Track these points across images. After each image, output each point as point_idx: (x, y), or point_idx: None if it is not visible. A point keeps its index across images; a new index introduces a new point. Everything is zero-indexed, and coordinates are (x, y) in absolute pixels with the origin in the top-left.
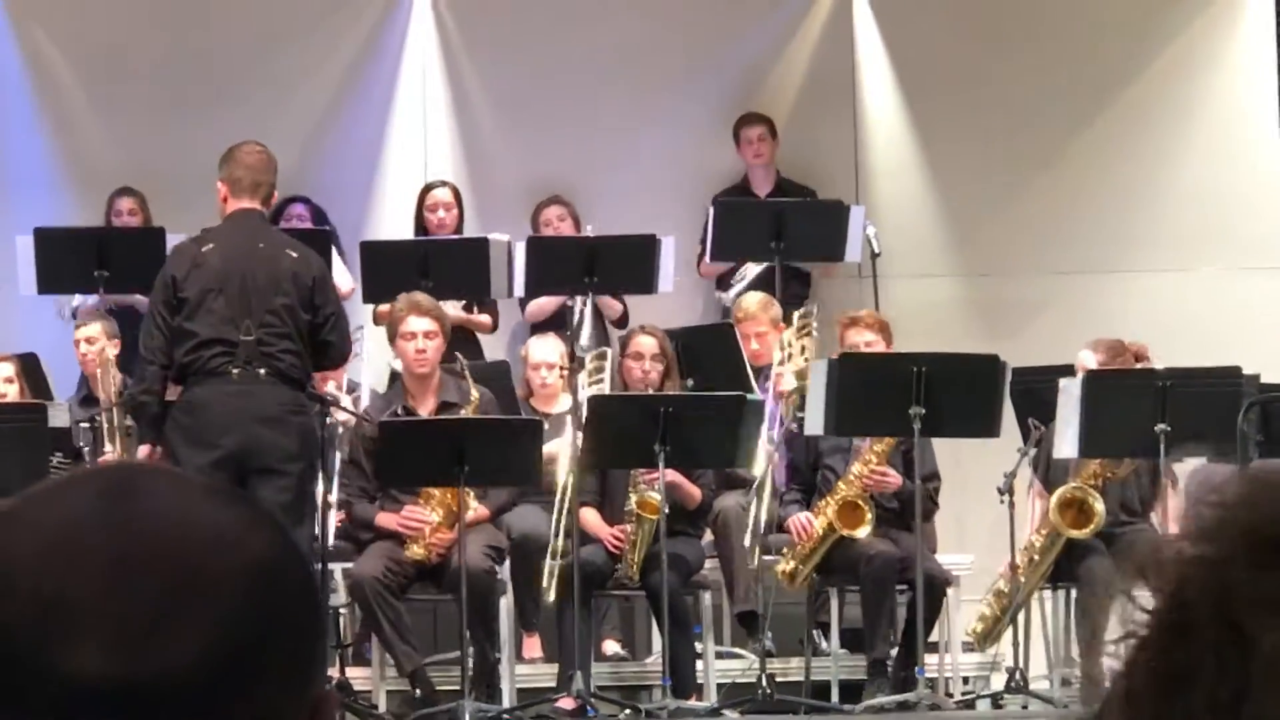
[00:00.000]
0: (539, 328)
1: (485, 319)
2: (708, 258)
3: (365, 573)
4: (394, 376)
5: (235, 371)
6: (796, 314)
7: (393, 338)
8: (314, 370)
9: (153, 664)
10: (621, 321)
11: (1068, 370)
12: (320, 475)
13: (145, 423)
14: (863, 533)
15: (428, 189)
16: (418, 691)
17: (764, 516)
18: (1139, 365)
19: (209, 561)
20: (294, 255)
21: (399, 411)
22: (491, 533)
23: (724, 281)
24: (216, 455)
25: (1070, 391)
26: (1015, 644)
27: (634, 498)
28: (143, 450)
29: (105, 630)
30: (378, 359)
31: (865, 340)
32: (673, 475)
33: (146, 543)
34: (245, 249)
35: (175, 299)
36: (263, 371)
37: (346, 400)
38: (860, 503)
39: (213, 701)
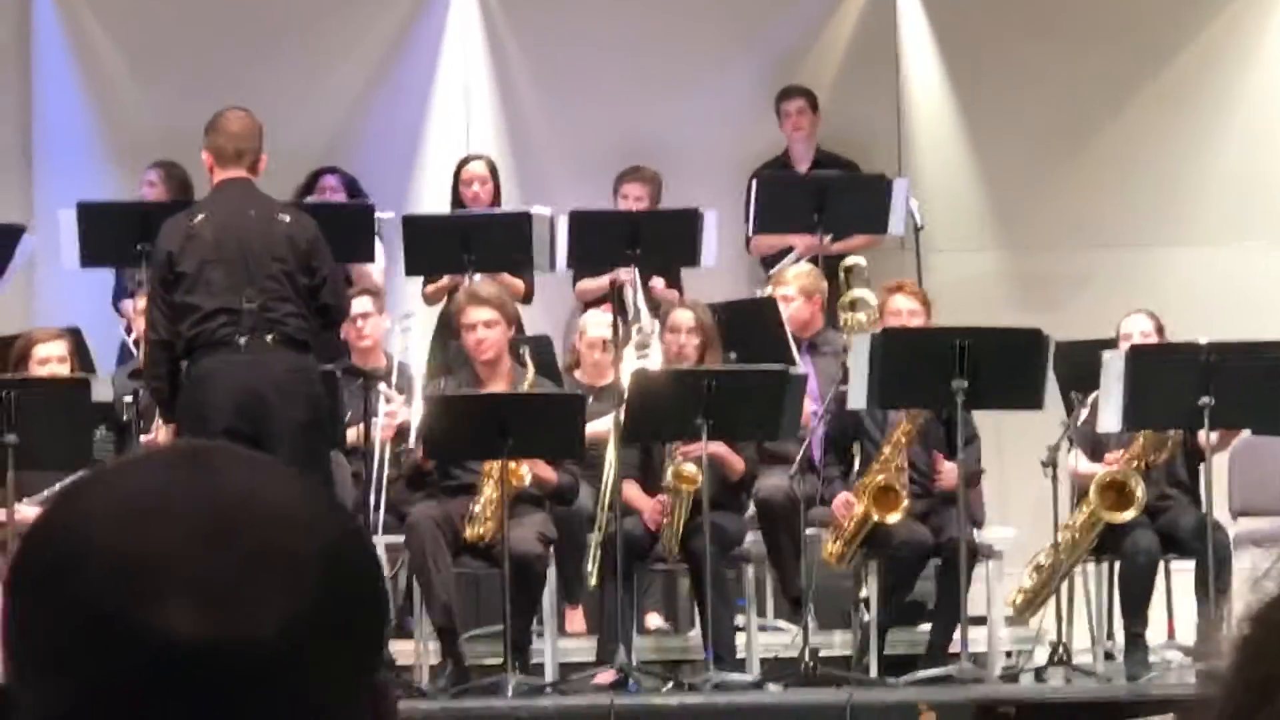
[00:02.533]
0: (587, 305)
1: (519, 283)
2: (751, 230)
3: (423, 514)
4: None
5: (242, 340)
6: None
7: (456, 328)
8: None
9: (239, 628)
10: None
11: (1110, 344)
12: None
13: (161, 405)
14: (896, 518)
15: (463, 163)
16: (449, 664)
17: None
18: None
19: (289, 537)
20: (287, 219)
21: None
22: (544, 519)
23: (771, 262)
24: (226, 423)
25: (1114, 365)
26: (1058, 617)
27: (670, 470)
28: (164, 433)
29: (193, 590)
30: (423, 345)
31: (909, 308)
32: (715, 447)
33: (228, 512)
34: (237, 217)
35: (173, 274)
36: (270, 338)
37: (398, 402)
38: (894, 485)
39: (292, 673)
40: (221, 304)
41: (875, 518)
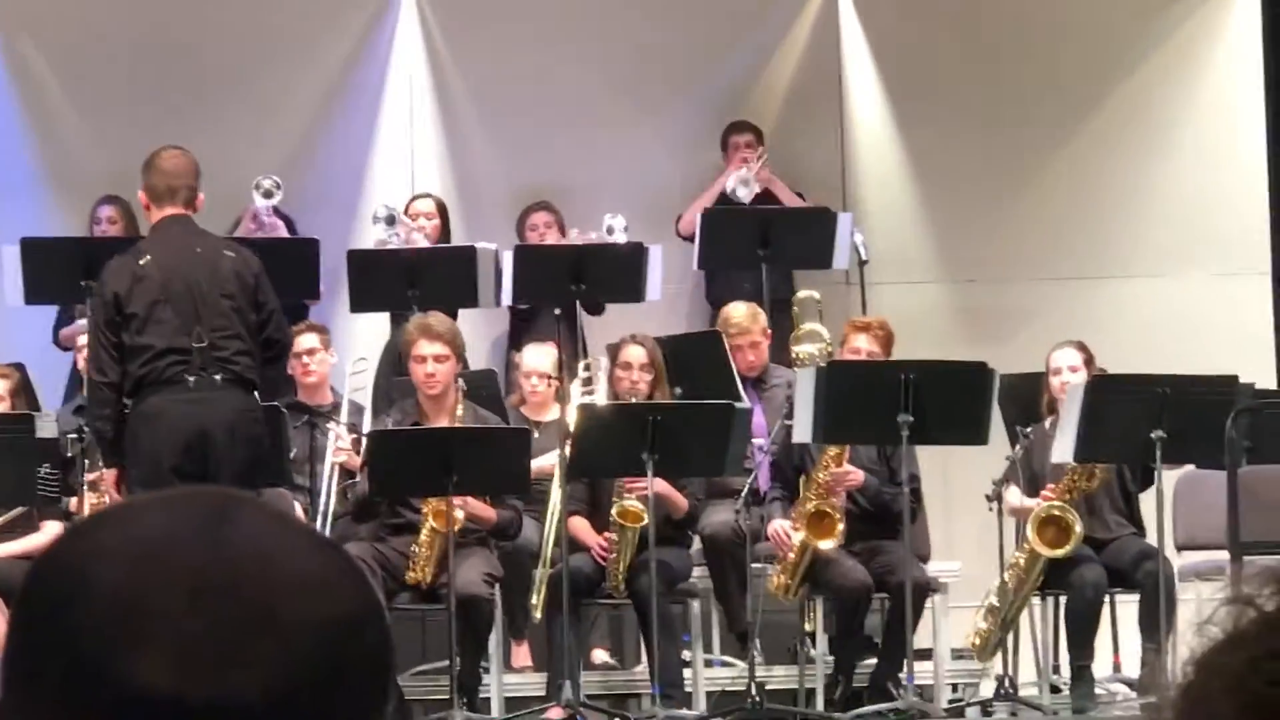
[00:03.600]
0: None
1: None
2: (695, 264)
3: (358, 553)
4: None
5: (191, 379)
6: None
7: (405, 359)
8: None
9: (216, 690)
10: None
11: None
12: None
13: (105, 448)
14: (831, 544)
15: (411, 201)
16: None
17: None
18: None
19: (291, 602)
20: (231, 255)
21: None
22: (489, 558)
23: (717, 298)
24: (174, 461)
25: (1072, 396)
26: (1004, 651)
27: (615, 508)
28: (109, 475)
29: (177, 647)
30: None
31: (870, 350)
32: (658, 485)
33: (234, 570)
34: (183, 255)
35: (120, 316)
36: (219, 377)
37: (345, 439)
38: (827, 510)
39: None
40: (171, 344)
41: (814, 543)
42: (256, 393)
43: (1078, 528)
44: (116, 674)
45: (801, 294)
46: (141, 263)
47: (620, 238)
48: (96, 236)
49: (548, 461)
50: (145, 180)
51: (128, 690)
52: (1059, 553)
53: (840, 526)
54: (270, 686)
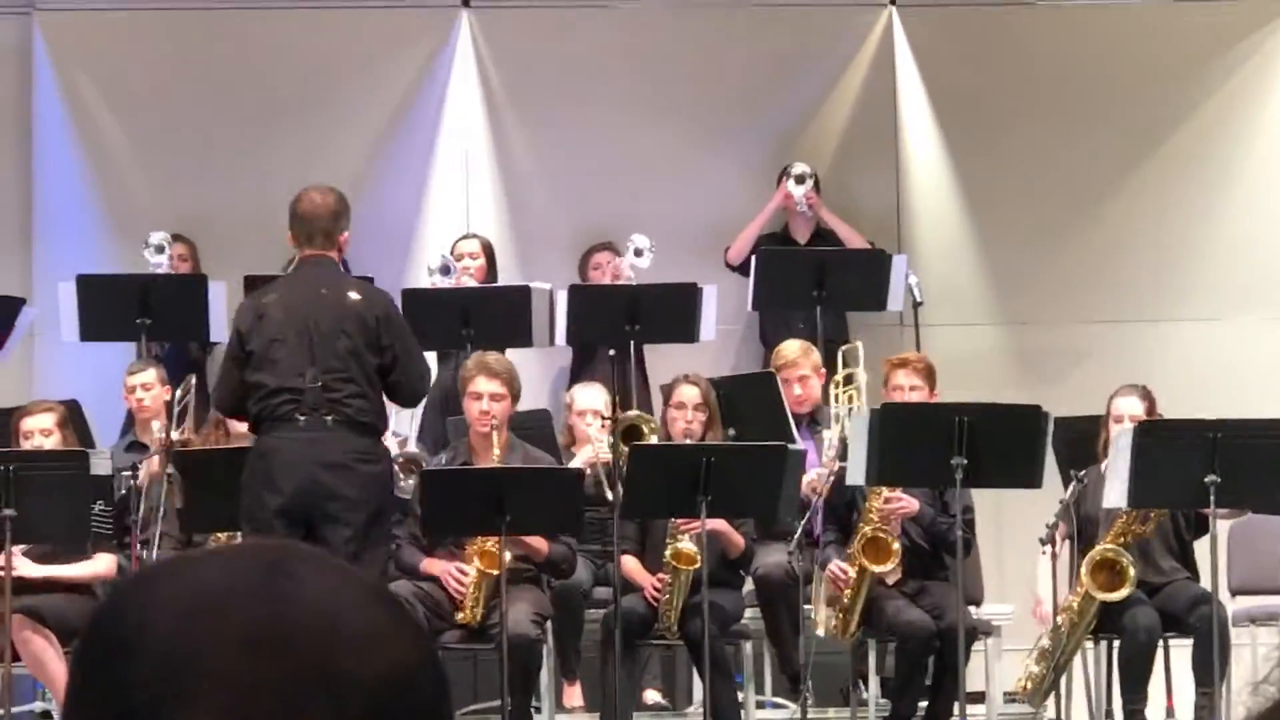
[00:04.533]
0: (578, 373)
1: None
2: (750, 305)
3: (403, 589)
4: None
5: (302, 419)
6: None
7: (461, 394)
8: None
9: None
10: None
11: (1111, 420)
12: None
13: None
14: (889, 566)
15: (457, 241)
16: None
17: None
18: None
19: (347, 658)
20: (357, 296)
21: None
22: (539, 598)
23: (772, 339)
24: (281, 501)
25: (1122, 441)
26: (1056, 695)
27: (669, 549)
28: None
29: (229, 701)
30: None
31: (911, 384)
32: (715, 523)
33: (290, 626)
34: (307, 296)
35: (243, 353)
36: (330, 419)
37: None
38: (881, 534)
39: None
40: (284, 383)
41: (872, 568)
42: (374, 437)
43: (1131, 571)
44: None
45: (846, 346)
46: (266, 300)
47: (646, 259)
48: (151, 274)
49: (590, 453)
50: (290, 222)
51: None
52: (1113, 596)
53: (896, 546)
54: None
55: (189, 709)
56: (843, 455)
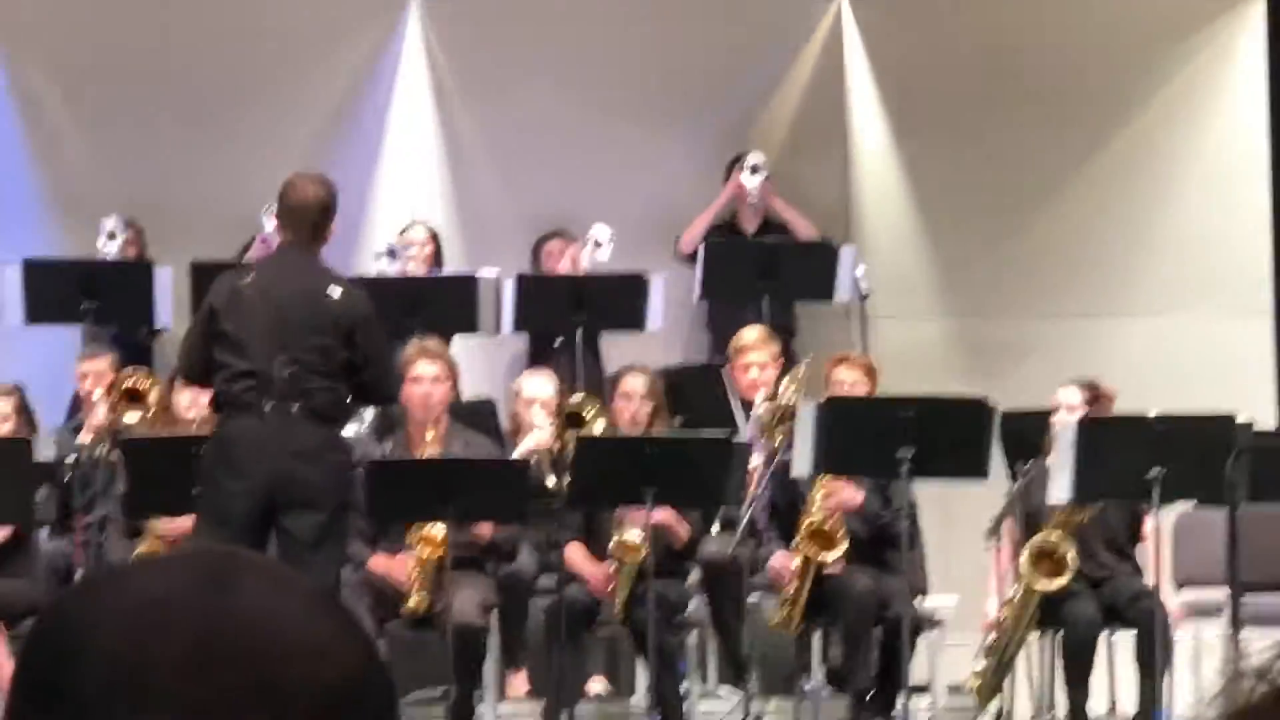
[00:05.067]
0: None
1: None
2: (696, 295)
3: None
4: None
5: (267, 406)
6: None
7: (402, 380)
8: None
9: None
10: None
11: (1054, 413)
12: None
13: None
14: (837, 554)
15: (403, 230)
16: None
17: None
18: (1110, 407)
19: (292, 667)
20: (335, 294)
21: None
22: (484, 586)
23: (722, 329)
24: (246, 486)
25: (1065, 435)
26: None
27: (614, 540)
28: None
29: (175, 714)
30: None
31: (851, 379)
32: (661, 514)
33: (234, 635)
34: (285, 284)
35: (214, 330)
36: (295, 407)
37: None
38: (828, 525)
39: None
40: (252, 368)
41: (819, 557)
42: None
43: (1071, 557)
44: None
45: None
46: (243, 282)
47: (606, 250)
48: (97, 259)
49: (532, 442)
50: (277, 207)
51: None
52: (1052, 585)
53: (841, 532)
54: None
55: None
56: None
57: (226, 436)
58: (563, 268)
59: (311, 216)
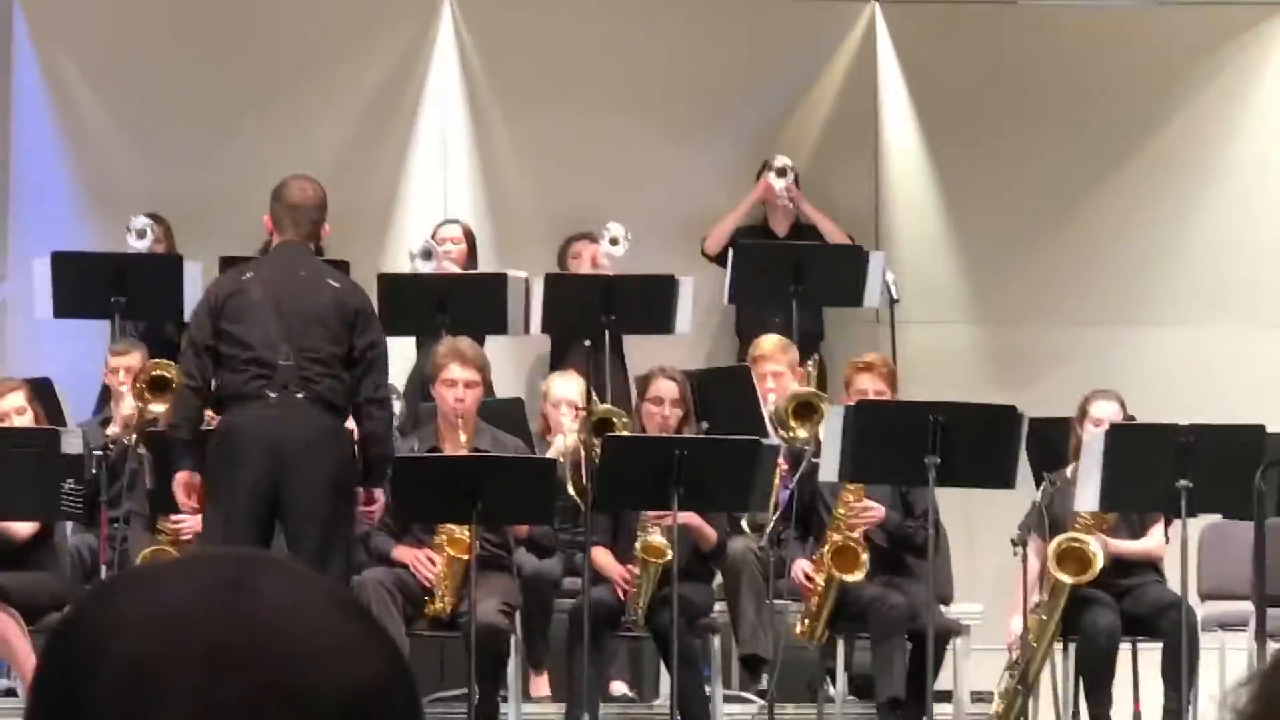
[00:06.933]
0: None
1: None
2: (726, 298)
3: (372, 577)
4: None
5: (273, 395)
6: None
7: (433, 380)
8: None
9: None
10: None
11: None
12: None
13: (179, 450)
14: (858, 575)
15: (438, 226)
16: None
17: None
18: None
19: (313, 673)
20: (336, 286)
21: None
22: (508, 588)
23: (749, 333)
24: (250, 477)
25: (1094, 444)
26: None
27: (639, 542)
28: (180, 477)
29: (193, 717)
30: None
31: (875, 389)
32: (688, 516)
33: (254, 639)
34: (286, 277)
35: (216, 326)
36: (300, 395)
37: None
38: (851, 544)
39: None
40: (255, 356)
41: (841, 577)
42: (342, 417)
43: (1097, 552)
44: None
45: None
46: (245, 277)
47: (621, 247)
48: (127, 252)
49: (559, 446)
50: (272, 207)
51: None
52: (1084, 578)
53: (865, 558)
54: None
55: None
56: (815, 451)
57: (230, 428)
58: (584, 268)
59: (312, 214)
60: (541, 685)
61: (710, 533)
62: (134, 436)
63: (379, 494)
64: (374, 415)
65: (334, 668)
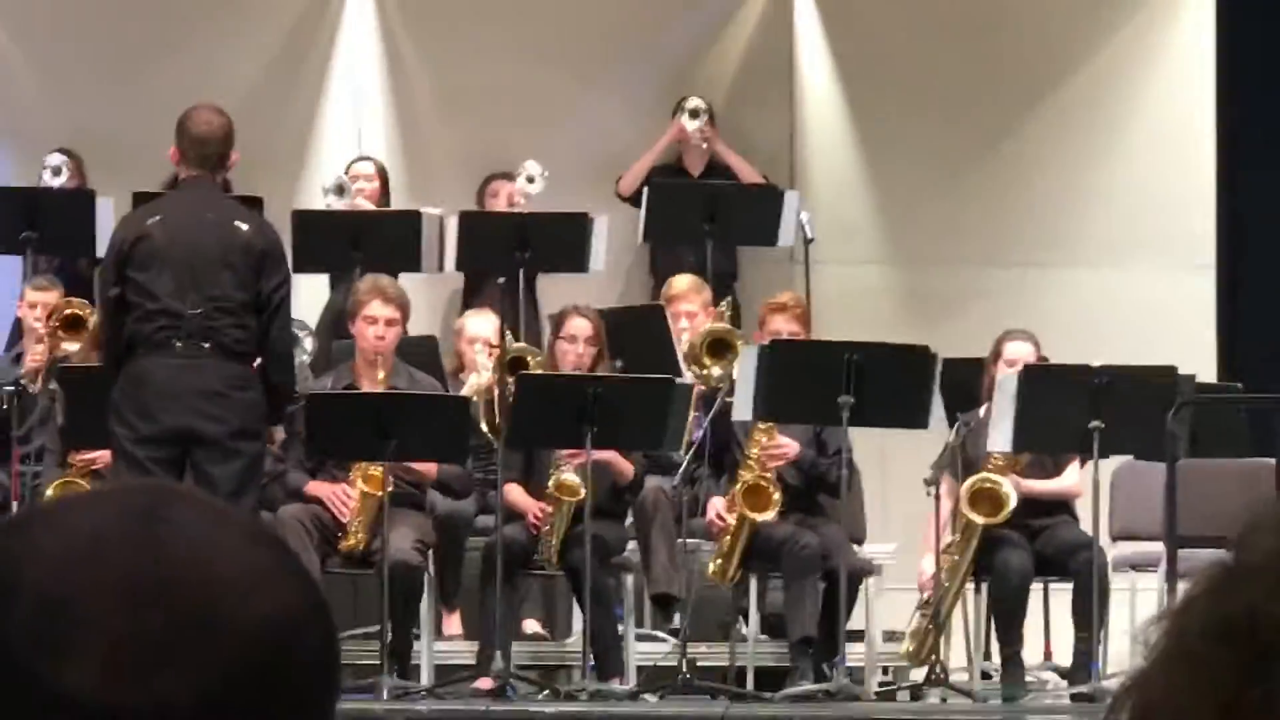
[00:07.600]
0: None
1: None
2: (640, 237)
3: (290, 514)
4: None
5: (179, 345)
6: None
7: (353, 317)
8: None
9: (147, 695)
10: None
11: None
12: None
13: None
14: (770, 515)
15: (351, 163)
16: None
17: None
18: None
19: (227, 603)
20: (244, 227)
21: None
22: (422, 525)
23: (663, 272)
24: (157, 429)
25: (1007, 385)
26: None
27: (552, 480)
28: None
29: (106, 650)
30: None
31: (789, 329)
32: (605, 452)
33: (166, 570)
34: (192, 220)
35: (123, 272)
36: (206, 345)
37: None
38: (763, 483)
39: None
40: (163, 307)
41: (752, 516)
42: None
43: (1009, 493)
44: (44, 678)
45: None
46: (150, 221)
47: (538, 185)
48: (41, 187)
49: (473, 384)
50: (177, 140)
51: (55, 694)
52: (996, 519)
53: (777, 497)
54: (205, 690)
55: (66, 658)
56: (729, 390)
57: (137, 376)
58: (500, 206)
59: (217, 147)
60: (454, 623)
61: (626, 466)
62: (46, 375)
63: (278, 432)
64: (279, 356)
65: (249, 599)
